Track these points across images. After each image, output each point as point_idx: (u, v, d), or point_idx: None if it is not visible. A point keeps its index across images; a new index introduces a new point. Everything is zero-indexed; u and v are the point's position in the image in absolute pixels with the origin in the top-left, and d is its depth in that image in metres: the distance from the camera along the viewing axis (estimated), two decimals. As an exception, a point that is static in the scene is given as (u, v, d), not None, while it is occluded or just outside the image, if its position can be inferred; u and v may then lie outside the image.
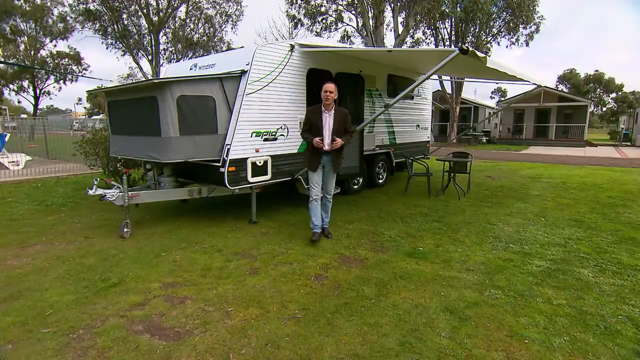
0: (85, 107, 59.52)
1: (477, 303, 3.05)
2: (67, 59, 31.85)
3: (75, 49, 31.71)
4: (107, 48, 23.34)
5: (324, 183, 4.54)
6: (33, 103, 30.86)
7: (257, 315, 2.89)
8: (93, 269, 3.74)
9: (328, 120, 4.32)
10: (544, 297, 3.17)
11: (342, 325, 2.75)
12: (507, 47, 22.48)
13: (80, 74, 32.71)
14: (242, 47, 6.29)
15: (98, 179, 4.76)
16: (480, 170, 11.22)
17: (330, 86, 4.28)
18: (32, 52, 28.03)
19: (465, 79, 19.85)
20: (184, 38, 24.13)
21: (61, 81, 32.38)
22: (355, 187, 7.40)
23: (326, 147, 4.30)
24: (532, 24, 21.25)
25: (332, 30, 21.57)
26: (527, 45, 21.98)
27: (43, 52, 29.68)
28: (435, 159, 8.37)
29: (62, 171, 10.14)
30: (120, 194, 4.71)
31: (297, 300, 3.11)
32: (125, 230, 4.72)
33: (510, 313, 2.91)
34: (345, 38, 22.60)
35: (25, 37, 26.89)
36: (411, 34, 21.91)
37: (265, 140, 5.33)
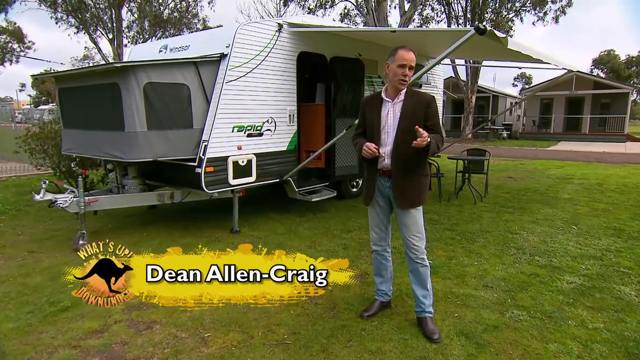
0: (30, 95, 58.59)
1: (497, 326, 3.08)
2: (5, 35, 31.20)
3: (15, 23, 31.08)
4: (56, 23, 23.01)
5: (401, 229, 3.10)
6: (-36, 90, 30.32)
7: (238, 342, 2.88)
8: (39, 290, 3.70)
9: (390, 115, 2.97)
10: (577, 319, 3.20)
11: (339, 353, 2.75)
12: (532, 24, 22.62)
13: (22, 54, 32.16)
14: (221, 25, 6.29)
15: (47, 182, 4.72)
16: (500, 170, 11.31)
17: (408, 56, 2.83)
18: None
19: (483, 64, 19.99)
20: (152, 14, 24.03)
21: (-2, 62, 31.84)
22: (354, 190, 7.41)
23: (385, 162, 3.00)
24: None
25: (327, 7, 21.63)
26: (557, 22, 22.14)
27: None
28: (447, 157, 8.43)
29: (1, 172, 10.02)
30: (75, 199, 4.67)
31: (287, 323, 3.11)
32: (80, 242, 4.67)
33: (537, 338, 2.93)
34: (343, 17, 22.67)
35: None
36: (419, 10, 22.05)
37: (249, 135, 5.33)
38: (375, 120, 3.02)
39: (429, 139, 2.68)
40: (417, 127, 2.70)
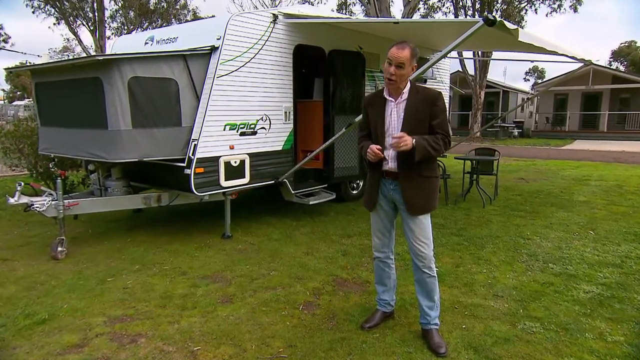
0: (3, 90, 58.40)
1: (508, 339, 3.08)
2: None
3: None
4: (33, 13, 22.96)
5: (407, 233, 3.08)
6: None
7: (230, 356, 2.88)
8: (13, 301, 3.69)
9: (394, 115, 2.98)
10: (595, 331, 3.20)
11: (339, 368, 2.75)
12: (547, 15, 22.61)
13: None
14: (212, 16, 6.30)
15: (22, 184, 4.71)
16: (510, 171, 11.34)
17: (397, 52, 2.81)
18: None
19: (493, 57, 20.07)
20: (137, 3, 24.00)
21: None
22: (354, 192, 7.42)
23: (390, 165, 2.99)
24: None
25: (325, -5, 21.65)
26: (575, 11, 22.15)
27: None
28: (453, 157, 8.44)
29: (-26, 174, 9.99)
30: (53, 202, 4.66)
31: (282, 336, 3.11)
32: (59, 249, 4.67)
33: (552, 352, 2.93)
34: (343, 7, 22.71)
35: None
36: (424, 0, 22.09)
37: (242, 134, 5.34)
38: (378, 122, 3.02)
39: (410, 143, 2.74)
40: (392, 134, 2.89)
